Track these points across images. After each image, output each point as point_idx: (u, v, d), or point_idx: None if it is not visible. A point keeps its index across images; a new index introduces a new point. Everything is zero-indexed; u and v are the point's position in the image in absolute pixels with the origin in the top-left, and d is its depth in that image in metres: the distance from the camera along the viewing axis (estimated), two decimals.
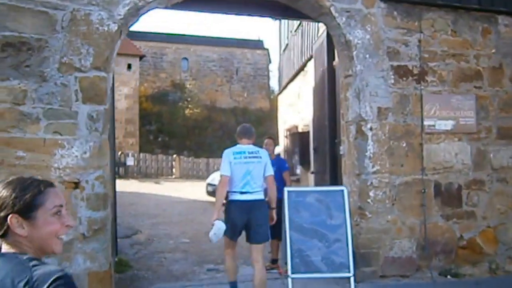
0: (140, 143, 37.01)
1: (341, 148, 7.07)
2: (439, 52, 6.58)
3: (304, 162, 10.83)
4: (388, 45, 6.45)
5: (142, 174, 25.94)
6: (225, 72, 45.66)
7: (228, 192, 5.37)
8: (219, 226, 5.23)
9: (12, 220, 1.62)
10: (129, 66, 37.04)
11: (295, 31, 11.50)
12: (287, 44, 12.92)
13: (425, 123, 6.56)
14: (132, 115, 36.87)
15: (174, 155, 27.56)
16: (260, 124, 43.92)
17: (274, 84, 63.95)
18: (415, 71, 6.54)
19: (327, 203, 6.00)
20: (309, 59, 10.06)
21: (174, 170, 26.64)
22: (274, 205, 5.68)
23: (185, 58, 44.59)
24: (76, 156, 5.64)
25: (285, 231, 5.85)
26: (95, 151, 5.73)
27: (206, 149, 38.61)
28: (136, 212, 15.17)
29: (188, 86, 42.66)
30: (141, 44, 39.65)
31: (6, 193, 1.64)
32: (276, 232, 6.57)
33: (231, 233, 5.39)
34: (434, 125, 6.57)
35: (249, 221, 5.34)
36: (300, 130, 11.31)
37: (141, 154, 27.37)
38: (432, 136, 6.63)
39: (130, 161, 25.09)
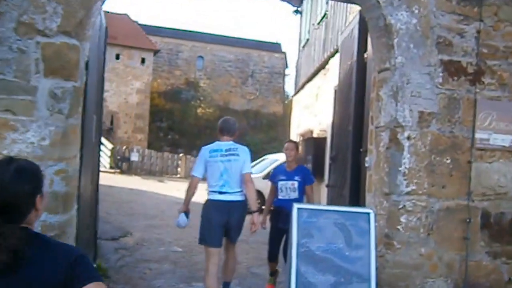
0: (149, 139, 35.92)
1: (367, 159, 5.66)
2: (502, 48, 5.13)
3: (318, 173, 9.44)
4: (439, 33, 5.02)
5: (146, 171, 24.67)
6: (240, 73, 44.53)
7: (208, 191, 5.14)
8: (179, 219, 5.35)
9: (39, 200, 1.76)
10: (143, 60, 35.92)
11: (318, 23, 10.13)
12: (307, 40, 11.55)
13: (477, 135, 5.12)
14: (142, 110, 35.73)
15: (181, 154, 26.26)
16: (271, 129, 42.86)
17: (289, 89, 62.44)
18: (470, 70, 5.10)
19: (347, 227, 4.61)
20: (333, 55, 8.70)
21: (179, 169, 25.33)
22: (254, 207, 5.22)
23: (201, 57, 43.54)
24: (32, 143, 4.32)
25: (290, 258, 4.49)
26: (57, 138, 4.39)
27: None
28: (132, 211, 13.86)
29: (202, 85, 41.56)
30: (157, 39, 38.51)
31: (32, 172, 1.73)
32: (286, 252, 5.56)
33: (212, 237, 5.05)
34: (488, 140, 5.13)
35: (228, 222, 5.06)
36: (315, 135, 9.93)
37: (147, 150, 26.12)
38: (484, 153, 5.18)
39: (134, 157, 23.82)
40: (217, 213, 5.04)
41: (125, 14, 37.22)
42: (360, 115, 6.05)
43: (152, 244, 9.47)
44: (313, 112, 10.80)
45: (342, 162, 6.50)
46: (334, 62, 8.42)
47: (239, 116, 42.36)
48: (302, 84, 12.15)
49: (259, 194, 15.38)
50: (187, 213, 5.32)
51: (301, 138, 12.12)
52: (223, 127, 5.32)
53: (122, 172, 23.33)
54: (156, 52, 37.06)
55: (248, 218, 5.37)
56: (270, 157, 17.84)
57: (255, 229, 5.29)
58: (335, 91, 8.11)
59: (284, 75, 46.79)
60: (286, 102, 47.57)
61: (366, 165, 5.63)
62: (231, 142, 5.26)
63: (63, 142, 4.42)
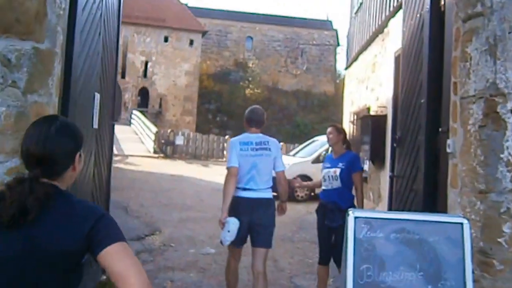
0: (197, 121, 34.92)
1: (449, 142, 4.02)
2: None
3: (376, 158, 7.82)
4: None
5: (191, 155, 23.47)
6: (289, 52, 42.91)
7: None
8: (232, 222, 4.42)
9: (78, 158, 1.77)
10: (191, 42, 34.73)
11: None
12: (360, 4, 9.82)
13: None
14: (191, 93, 34.69)
15: (226, 136, 24.93)
16: (323, 109, 41.07)
17: (341, 67, 60.06)
18: None
19: (430, 246, 3.04)
20: (393, 15, 7.03)
21: (225, 152, 24.04)
22: (285, 198, 4.92)
23: (250, 37, 42.18)
24: None
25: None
26: (9, 123, 3.02)
27: (264, 131, 36.03)
28: (168, 201, 12.61)
29: (250, 65, 40.05)
30: (205, 21, 37.23)
31: (73, 130, 1.76)
32: (335, 257, 5.03)
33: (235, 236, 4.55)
34: None
35: (252, 221, 4.54)
36: (372, 113, 8.29)
37: (192, 133, 24.91)
38: None
39: (179, 140, 22.63)
40: (239, 211, 4.52)
41: None
42: (437, 83, 4.42)
43: (181, 244, 8.13)
44: (369, 85, 9.14)
45: (412, 146, 4.89)
46: (396, 23, 6.76)
47: (288, 97, 40.97)
48: (356, 55, 10.47)
49: (310, 179, 13.89)
50: (235, 219, 4.49)
51: (355, 117, 10.50)
52: (251, 117, 4.74)
53: (166, 156, 22.21)
54: (204, 33, 35.82)
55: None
56: (321, 139, 16.22)
57: (281, 214, 4.94)
58: (397, 57, 6.46)
59: (335, 53, 44.78)
60: (337, 81, 45.70)
61: (448, 150, 4.00)
62: (261, 135, 4.72)
63: (18, 128, 3.04)
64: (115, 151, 21.90)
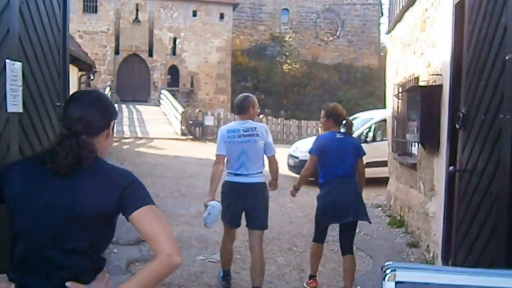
0: (232, 100, 33.46)
1: None
2: None
3: (429, 140, 6.17)
4: None
5: None
6: (329, 24, 40.84)
7: (226, 172, 4.87)
8: (213, 205, 4.62)
9: (112, 124, 2.01)
10: (222, 16, 33.15)
11: None
12: None
13: None
14: (224, 70, 33.25)
15: (261, 116, 23.42)
16: (366, 83, 39.09)
17: (385, 39, 57.11)
18: None
19: None
20: None
21: None
22: (275, 177, 5.05)
23: (286, 9, 40.25)
24: None
25: None
26: None
27: (304, 108, 34.94)
28: (188, 191, 11.31)
29: (287, 39, 38.22)
30: None
31: (108, 102, 2.02)
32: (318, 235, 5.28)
33: (229, 218, 4.93)
34: None
35: (246, 205, 4.80)
36: (422, 83, 6.62)
37: (222, 113, 23.43)
38: None
39: (209, 121, 21.23)
40: (232, 195, 4.84)
41: None
42: None
43: (189, 248, 6.76)
44: (417, 49, 7.44)
45: (488, 128, 3.27)
46: None
47: (329, 71, 39.11)
48: (400, 14, 8.73)
49: None
50: (217, 202, 4.76)
51: (399, 89, 8.83)
52: (239, 105, 5.01)
53: (195, 138, 20.86)
54: (235, 6, 34.15)
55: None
56: (363, 116, 14.53)
57: (272, 189, 5.08)
58: (459, 4, 4.78)
59: (379, 24, 42.44)
60: (382, 53, 43.41)
61: None
62: (250, 121, 4.91)
63: None
64: (138, 134, 20.86)
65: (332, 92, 37.32)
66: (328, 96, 37.15)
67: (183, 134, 21.08)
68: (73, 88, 18.33)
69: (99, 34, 31.19)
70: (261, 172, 4.84)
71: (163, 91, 27.86)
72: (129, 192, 1.81)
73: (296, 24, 40.35)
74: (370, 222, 5.23)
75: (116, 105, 19.21)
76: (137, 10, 31.76)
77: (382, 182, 12.33)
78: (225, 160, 4.84)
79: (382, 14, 42.88)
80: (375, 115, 13.59)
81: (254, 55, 37.88)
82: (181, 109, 21.75)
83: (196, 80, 32.90)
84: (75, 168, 1.77)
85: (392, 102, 9.62)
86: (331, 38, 40.96)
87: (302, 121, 23.68)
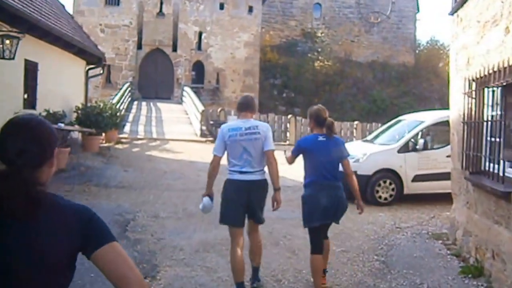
0: (260, 98, 31.09)
1: None
2: None
3: None
4: None
5: None
6: (363, 20, 38.24)
7: (228, 170, 4.87)
8: (205, 203, 4.98)
9: (56, 153, 1.76)
10: (250, 9, 30.75)
11: None
12: None
13: None
14: (251, 66, 30.88)
15: (289, 116, 20.86)
16: (402, 82, 36.45)
17: (421, 35, 53.69)
18: None
19: None
20: None
21: (288, 134, 20.04)
22: (277, 185, 4.87)
23: (318, 4, 37.82)
24: None
25: None
26: None
27: (337, 108, 32.42)
28: (194, 210, 8.75)
29: (319, 35, 35.64)
30: None
31: (50, 129, 1.74)
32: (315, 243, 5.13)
33: (233, 217, 4.83)
34: None
35: (251, 202, 4.79)
36: None
37: None
38: None
39: (232, 121, 18.92)
40: (237, 193, 4.77)
41: None
42: None
43: None
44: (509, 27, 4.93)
45: None
46: None
47: (363, 69, 36.45)
48: None
49: (396, 175, 9.85)
50: (211, 197, 4.99)
51: (474, 86, 6.32)
52: (239, 104, 5.00)
53: (216, 140, 18.53)
54: None
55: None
56: (409, 118, 11.92)
57: (277, 207, 4.98)
58: None
59: (415, 20, 39.59)
60: (418, 51, 40.45)
61: None
62: (251, 120, 4.89)
63: None
64: (153, 135, 18.59)
65: (365, 91, 34.89)
66: (361, 95, 34.71)
67: (202, 135, 18.68)
68: (79, 83, 16.17)
69: (121, 28, 29.14)
70: (263, 170, 4.84)
71: (186, 88, 25.55)
72: (89, 229, 1.65)
73: (328, 19, 37.77)
74: (337, 222, 5.22)
75: (135, 102, 16.67)
76: (161, 3, 29.57)
77: (435, 200, 9.85)
78: (221, 159, 4.86)
79: (418, 10, 39.96)
80: (427, 117, 10.96)
81: (284, 52, 35.51)
82: (201, 107, 19.37)
83: (222, 76, 30.57)
84: (31, 210, 1.55)
85: (460, 102, 7.06)
86: (365, 35, 38.23)
87: (336, 122, 21.07)
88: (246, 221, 5.07)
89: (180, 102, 26.86)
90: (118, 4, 29.12)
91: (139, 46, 29.49)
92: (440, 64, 41.69)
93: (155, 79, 29.47)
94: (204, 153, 15.98)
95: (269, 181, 5.02)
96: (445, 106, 10.35)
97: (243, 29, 30.56)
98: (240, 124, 4.82)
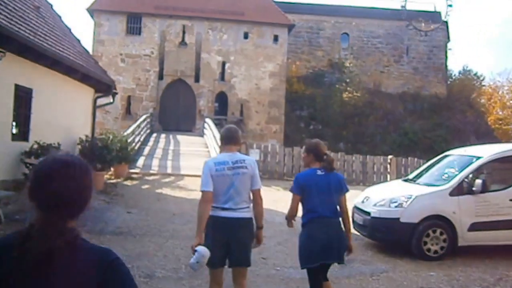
0: (286, 131, 29.46)
1: None
2: None
3: None
4: None
5: (271, 173, 17.78)
6: (393, 50, 36.69)
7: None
8: (203, 253, 4.11)
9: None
10: (276, 38, 29.33)
11: None
12: None
13: None
14: (277, 97, 29.32)
15: None
16: (435, 114, 34.49)
17: (453, 65, 51.23)
18: None
19: None
20: None
21: None
22: (261, 224, 4.55)
23: (346, 34, 36.52)
24: None
25: None
26: None
27: (366, 141, 30.93)
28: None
29: (348, 65, 34.06)
30: (294, 17, 31.75)
31: (89, 169, 1.70)
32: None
33: (217, 259, 4.32)
34: None
35: (232, 241, 4.35)
36: None
37: (270, 146, 19.01)
38: None
39: (254, 155, 17.05)
40: (218, 231, 4.36)
41: None
42: None
43: None
44: None
45: None
46: None
47: (394, 100, 34.64)
48: None
49: (448, 223, 7.90)
50: (206, 249, 4.18)
51: None
52: (224, 136, 4.63)
53: None
54: (291, 27, 30.23)
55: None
56: (458, 153, 9.93)
57: (257, 246, 4.63)
58: None
59: (446, 49, 37.69)
60: (450, 81, 38.47)
61: None
62: (237, 153, 4.57)
63: None
64: (168, 170, 16.94)
65: (396, 123, 33.09)
66: (392, 127, 32.89)
67: None
68: (85, 112, 14.56)
69: (142, 58, 27.99)
70: (248, 207, 4.49)
71: (207, 120, 23.98)
72: (111, 274, 1.55)
73: (356, 49, 36.28)
74: (342, 263, 4.76)
75: (154, 135, 15.20)
76: (183, 32, 28.41)
77: (498, 254, 8.30)
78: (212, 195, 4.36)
79: (449, 39, 38.10)
80: (484, 152, 8.97)
81: (311, 82, 34.04)
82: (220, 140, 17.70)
83: (246, 108, 28.99)
84: (68, 254, 1.49)
85: None
86: (395, 65, 36.52)
87: (368, 156, 18.97)
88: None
89: (201, 134, 25.28)
90: (139, 34, 28.06)
91: (161, 77, 28.25)
92: (473, 95, 39.60)
93: (176, 110, 28.07)
94: None
95: None
96: (481, 138, 8.45)
97: (268, 58, 29.08)
98: (227, 157, 4.49)
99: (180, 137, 24.14)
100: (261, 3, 29.29)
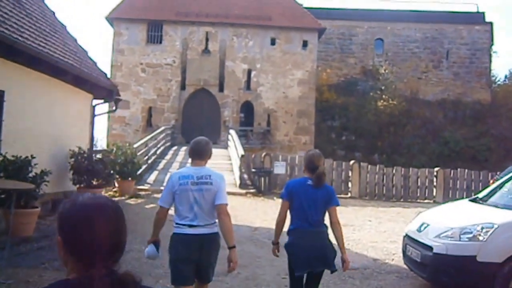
0: (316, 142, 27.10)
1: None
2: None
3: None
4: None
5: None
6: (431, 55, 34.08)
7: (175, 223, 4.28)
8: (149, 255, 4.35)
9: None
10: (305, 44, 27.08)
11: None
12: None
13: None
14: (306, 106, 27.04)
15: (351, 161, 16.46)
16: (478, 121, 31.64)
17: (498, 69, 47.43)
18: None
19: None
20: None
21: (350, 185, 15.66)
22: (232, 242, 4.20)
23: (380, 39, 34.15)
24: None
25: None
26: None
27: (403, 152, 28.58)
28: None
29: (383, 71, 31.64)
30: (325, 24, 29.40)
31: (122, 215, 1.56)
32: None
33: (185, 277, 4.20)
34: None
35: (200, 259, 4.20)
36: None
37: (298, 158, 16.61)
38: None
39: (280, 168, 14.71)
40: (186, 248, 4.16)
41: None
42: None
43: None
44: None
45: None
46: None
47: (433, 108, 32.00)
48: None
49: None
50: (157, 245, 4.33)
51: None
52: (192, 149, 4.42)
53: (259, 192, 14.30)
54: (321, 32, 27.96)
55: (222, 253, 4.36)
56: None
57: (233, 268, 4.28)
58: None
59: (490, 52, 34.71)
60: (494, 87, 35.46)
61: None
62: (205, 168, 4.35)
63: None
64: None
65: (436, 132, 30.58)
66: (431, 137, 30.33)
67: (242, 185, 14.66)
68: (82, 121, 12.09)
69: (164, 67, 26.16)
70: (215, 223, 4.31)
71: (231, 131, 21.85)
72: None
73: (392, 55, 33.77)
74: (334, 270, 4.51)
75: (174, 148, 13.45)
76: (206, 39, 26.48)
77: None
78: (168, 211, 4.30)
79: (493, 42, 35.15)
80: None
81: (342, 91, 31.73)
82: (241, 152, 15.46)
83: (273, 118, 26.75)
84: None
85: None
86: (434, 71, 33.85)
87: (411, 169, 16.35)
88: None
89: (226, 146, 23.17)
90: (160, 42, 26.28)
91: (183, 87, 26.34)
92: None
93: (199, 122, 26.06)
94: (240, 210, 11.95)
95: None
96: None
97: (296, 65, 26.86)
98: (192, 172, 4.27)
99: None
100: (288, 6, 27.17)
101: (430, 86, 33.53)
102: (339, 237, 4.48)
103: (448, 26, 34.01)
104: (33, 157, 8.14)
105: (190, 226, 4.13)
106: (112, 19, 26.25)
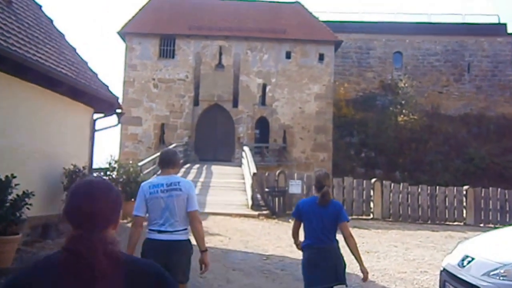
0: (335, 159, 25.89)
1: None
2: None
3: None
4: None
5: None
6: (452, 68, 32.83)
7: (147, 230, 4.38)
8: None
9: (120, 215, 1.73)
10: (321, 57, 26.05)
11: None
12: None
13: None
14: (324, 121, 25.90)
15: (373, 180, 15.16)
16: (504, 137, 30.09)
17: None
18: None
19: None
20: None
21: (372, 205, 14.36)
22: (204, 247, 4.35)
23: (399, 53, 33.13)
24: None
25: None
26: None
27: (426, 169, 27.31)
28: None
29: (402, 85, 30.45)
30: (342, 37, 28.37)
31: (118, 193, 1.71)
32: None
33: None
34: None
35: (169, 263, 4.09)
36: None
37: (313, 176, 15.64)
38: None
39: (295, 188, 13.53)
40: (154, 253, 4.11)
41: (297, 2, 27.86)
42: None
43: None
44: None
45: None
46: None
47: (455, 123, 30.61)
48: None
49: None
50: None
51: None
52: (161, 159, 4.57)
53: (273, 214, 13.12)
54: (338, 44, 26.91)
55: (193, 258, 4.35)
56: None
57: (205, 270, 4.43)
58: None
59: None
60: None
61: None
62: (173, 176, 4.45)
63: None
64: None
65: (459, 149, 29.19)
66: (454, 153, 28.93)
67: (255, 206, 13.46)
68: (80, 136, 11.26)
69: (176, 82, 25.29)
70: (186, 229, 4.35)
71: (245, 148, 20.76)
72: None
73: (411, 68, 32.62)
74: (345, 284, 4.54)
75: (187, 165, 12.44)
76: (220, 54, 25.59)
77: None
78: (144, 219, 4.34)
79: None
80: None
81: (361, 106, 30.63)
82: (253, 169, 14.33)
83: (289, 134, 25.62)
84: (112, 267, 1.49)
85: None
86: (455, 85, 32.55)
87: (438, 188, 14.95)
88: None
89: (240, 164, 22.07)
90: (173, 57, 25.45)
91: (196, 102, 25.41)
92: None
93: (213, 138, 25.06)
94: (251, 234, 10.80)
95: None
96: None
97: (313, 79, 25.80)
98: (161, 180, 4.38)
99: (214, 167, 20.96)
100: (303, 19, 26.24)
101: (451, 101, 32.23)
102: (354, 250, 4.52)
103: (469, 38, 32.81)
104: (13, 177, 7.12)
105: (159, 231, 4.22)
106: (124, 33, 25.55)
